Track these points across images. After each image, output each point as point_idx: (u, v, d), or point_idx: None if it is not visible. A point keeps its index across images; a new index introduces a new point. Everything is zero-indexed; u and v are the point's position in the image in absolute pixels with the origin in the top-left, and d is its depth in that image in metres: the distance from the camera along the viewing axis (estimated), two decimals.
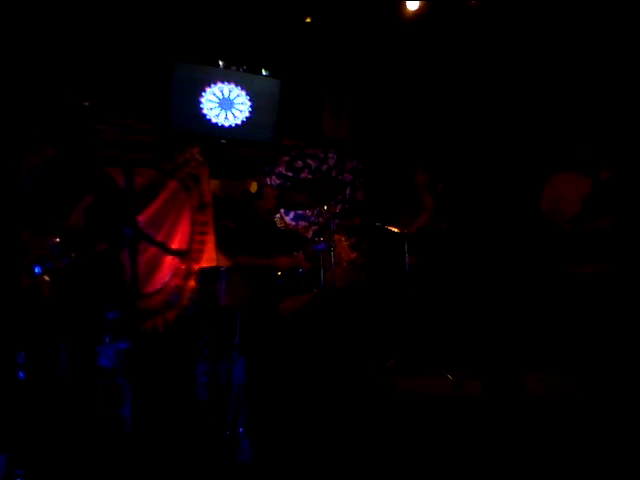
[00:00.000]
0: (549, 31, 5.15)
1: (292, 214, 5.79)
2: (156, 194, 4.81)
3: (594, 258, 4.21)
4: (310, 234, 5.72)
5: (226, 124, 5.28)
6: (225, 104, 5.26)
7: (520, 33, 5.25)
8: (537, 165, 5.16)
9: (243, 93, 5.34)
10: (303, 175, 5.91)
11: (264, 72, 5.44)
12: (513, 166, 5.40)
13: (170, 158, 4.91)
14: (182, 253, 4.91)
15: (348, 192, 6.19)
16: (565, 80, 5.33)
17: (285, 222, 5.63)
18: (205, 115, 5.17)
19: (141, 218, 4.70)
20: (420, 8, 5.07)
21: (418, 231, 5.11)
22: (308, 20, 5.26)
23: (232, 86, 5.29)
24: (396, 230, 4.94)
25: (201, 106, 5.14)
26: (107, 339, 3.18)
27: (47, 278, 3.37)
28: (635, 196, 4.19)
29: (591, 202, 4.21)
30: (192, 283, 4.72)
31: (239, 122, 5.35)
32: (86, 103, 4.57)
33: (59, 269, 3.41)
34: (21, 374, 3.02)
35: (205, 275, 4.02)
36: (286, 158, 5.88)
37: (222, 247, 4.84)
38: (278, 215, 5.43)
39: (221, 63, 5.24)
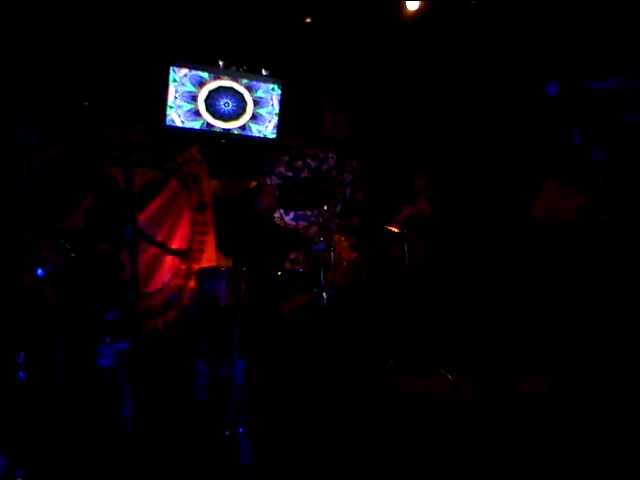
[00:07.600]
0: (548, 30, 5.16)
1: (292, 214, 5.79)
2: (156, 194, 4.81)
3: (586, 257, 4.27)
4: (310, 234, 5.71)
5: (226, 124, 5.28)
6: (224, 104, 5.26)
7: (520, 33, 5.25)
8: (532, 169, 5.17)
9: (243, 93, 5.34)
10: (303, 175, 5.90)
11: (264, 72, 5.45)
12: (509, 168, 5.41)
13: (170, 157, 4.93)
14: (182, 253, 4.91)
15: (348, 192, 6.19)
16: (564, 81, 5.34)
17: (285, 222, 5.62)
18: (204, 115, 5.17)
19: (141, 218, 4.71)
20: (420, 8, 5.07)
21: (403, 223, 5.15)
22: (308, 20, 5.26)
23: (232, 86, 5.29)
24: (396, 230, 4.94)
25: (200, 106, 5.14)
26: (107, 339, 3.18)
27: (48, 279, 3.38)
28: (629, 201, 4.23)
29: (586, 213, 4.29)
30: (192, 283, 4.73)
31: (239, 122, 5.35)
32: (86, 103, 4.58)
33: (60, 271, 3.41)
34: (21, 374, 3.02)
35: (205, 275, 4.01)
36: (286, 158, 5.88)
37: (222, 247, 4.83)
38: (278, 215, 5.42)
39: (221, 63, 5.25)
